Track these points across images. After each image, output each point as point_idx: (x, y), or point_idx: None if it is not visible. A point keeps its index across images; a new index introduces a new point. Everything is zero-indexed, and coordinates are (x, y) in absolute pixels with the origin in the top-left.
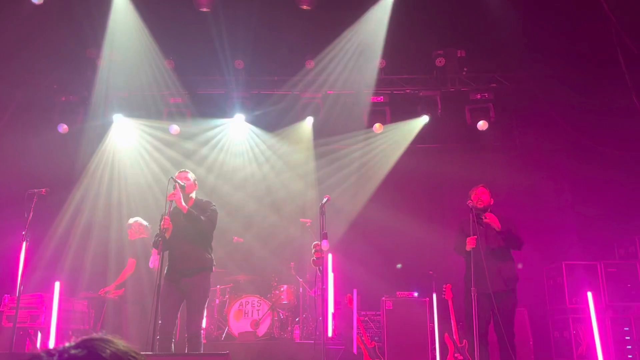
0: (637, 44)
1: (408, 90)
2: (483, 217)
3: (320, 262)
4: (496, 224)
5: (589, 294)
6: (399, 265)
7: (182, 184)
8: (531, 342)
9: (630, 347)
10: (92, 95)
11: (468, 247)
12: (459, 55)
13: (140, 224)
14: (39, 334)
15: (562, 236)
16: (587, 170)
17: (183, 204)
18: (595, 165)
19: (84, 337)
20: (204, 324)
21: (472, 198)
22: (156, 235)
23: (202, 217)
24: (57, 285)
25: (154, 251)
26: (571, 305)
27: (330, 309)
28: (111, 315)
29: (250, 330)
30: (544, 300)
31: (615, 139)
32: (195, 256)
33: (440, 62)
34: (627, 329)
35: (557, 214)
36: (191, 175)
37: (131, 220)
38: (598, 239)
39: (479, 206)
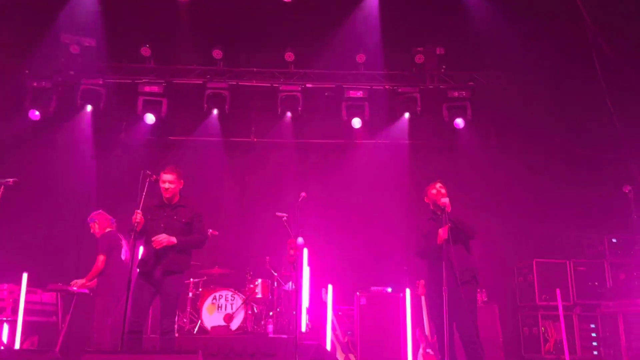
0: (611, 47)
1: (387, 86)
2: (441, 203)
3: (295, 259)
4: (448, 207)
5: (558, 292)
6: None
7: (155, 179)
8: (501, 338)
9: (596, 343)
10: (65, 82)
11: (440, 240)
12: (438, 52)
13: (105, 217)
14: (6, 326)
15: (533, 234)
16: (560, 169)
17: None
18: (568, 165)
19: None
20: (176, 317)
21: (430, 194)
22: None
23: (194, 241)
24: (24, 276)
25: (125, 243)
26: (541, 302)
27: (305, 303)
28: (81, 308)
29: (224, 324)
30: (514, 296)
31: (588, 139)
32: (176, 257)
33: (419, 58)
34: (594, 325)
35: (529, 212)
36: (175, 175)
37: (94, 215)
38: (568, 238)
39: (438, 201)
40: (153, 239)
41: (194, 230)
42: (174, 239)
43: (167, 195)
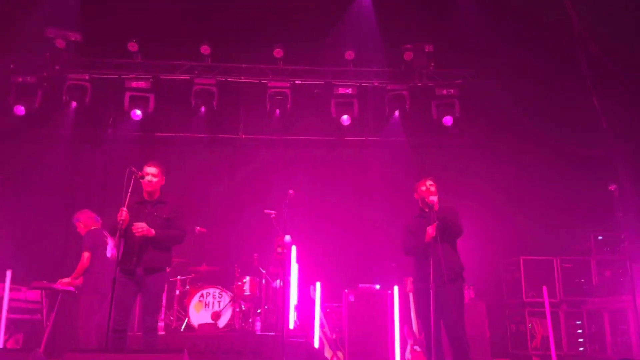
0: (598, 46)
1: (376, 83)
2: (429, 201)
3: (283, 257)
4: (436, 206)
5: (545, 289)
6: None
7: (141, 176)
8: (488, 334)
9: (582, 340)
10: (50, 77)
11: (428, 238)
12: (426, 50)
13: (89, 216)
14: None
15: (520, 231)
16: (547, 167)
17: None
18: (556, 162)
19: None
20: (162, 315)
21: (419, 190)
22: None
23: (173, 236)
24: (8, 274)
25: (110, 240)
26: (527, 299)
27: (293, 301)
28: (66, 306)
29: (211, 321)
30: (502, 293)
31: (575, 137)
32: (159, 255)
33: (408, 56)
34: (580, 322)
35: (516, 209)
36: (158, 170)
37: (79, 214)
38: (555, 235)
39: (428, 197)
40: (134, 224)
41: (173, 226)
42: (152, 231)
43: (149, 189)
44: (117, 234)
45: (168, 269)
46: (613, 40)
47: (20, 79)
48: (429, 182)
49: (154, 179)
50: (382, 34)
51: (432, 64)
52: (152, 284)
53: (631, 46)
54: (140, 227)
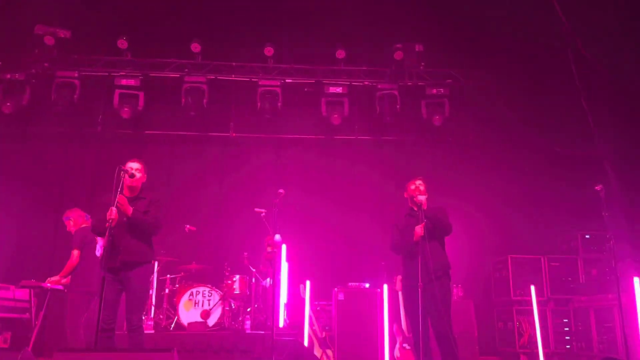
0: (587, 47)
1: (367, 83)
2: (417, 200)
3: (273, 256)
4: (424, 205)
5: (532, 287)
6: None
7: (132, 173)
8: (476, 333)
9: (569, 337)
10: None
11: (416, 237)
12: (417, 49)
13: (80, 214)
14: None
15: (508, 230)
16: (535, 167)
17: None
18: (544, 162)
19: None
20: (152, 314)
21: (409, 190)
22: (97, 221)
23: (147, 221)
24: None
25: (100, 238)
26: (515, 297)
27: (283, 299)
28: (55, 305)
29: (201, 320)
30: (490, 292)
31: (563, 138)
32: (137, 248)
33: (398, 55)
34: (567, 320)
35: (504, 209)
36: (142, 165)
37: (69, 212)
38: (543, 234)
39: (417, 197)
40: (118, 196)
41: (149, 215)
42: (130, 209)
43: (133, 184)
44: (107, 233)
45: (151, 264)
46: (601, 41)
47: (8, 76)
48: (418, 182)
49: (138, 174)
50: (373, 33)
51: (423, 64)
52: (135, 279)
53: (619, 48)
54: (123, 201)
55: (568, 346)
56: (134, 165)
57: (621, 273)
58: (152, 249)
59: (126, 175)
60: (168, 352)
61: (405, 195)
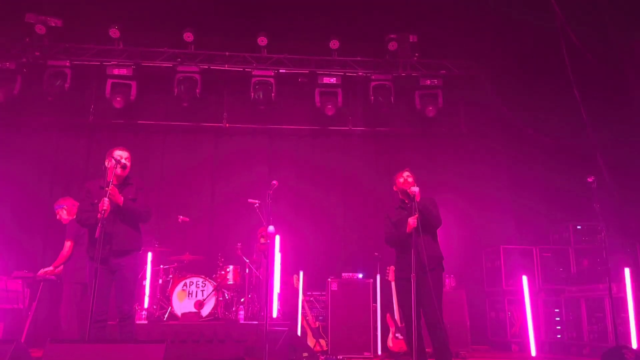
0: (580, 38)
1: (361, 73)
2: (410, 192)
3: (266, 247)
4: (417, 196)
5: (524, 277)
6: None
7: (124, 164)
8: (468, 322)
9: (559, 327)
10: (30, 63)
11: (409, 229)
12: (411, 40)
13: (73, 203)
14: None
15: (501, 221)
16: (528, 157)
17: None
18: (536, 153)
19: None
20: (146, 304)
21: (398, 183)
22: (82, 212)
23: (139, 209)
24: None
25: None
26: (507, 287)
27: (276, 290)
28: (48, 295)
29: (194, 310)
30: (482, 282)
31: (555, 128)
32: (126, 236)
33: (392, 46)
34: (558, 310)
35: (497, 199)
36: (128, 153)
37: (62, 200)
38: (534, 225)
39: (406, 188)
40: (110, 189)
41: (139, 203)
42: (122, 198)
43: (124, 174)
44: (100, 224)
45: (140, 252)
46: (594, 31)
47: None
48: (405, 174)
49: (128, 163)
50: (367, 23)
51: (417, 55)
52: (126, 267)
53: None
54: (114, 191)
55: (559, 335)
56: (123, 155)
57: (612, 264)
58: (141, 236)
59: (118, 167)
60: (160, 343)
61: (394, 189)
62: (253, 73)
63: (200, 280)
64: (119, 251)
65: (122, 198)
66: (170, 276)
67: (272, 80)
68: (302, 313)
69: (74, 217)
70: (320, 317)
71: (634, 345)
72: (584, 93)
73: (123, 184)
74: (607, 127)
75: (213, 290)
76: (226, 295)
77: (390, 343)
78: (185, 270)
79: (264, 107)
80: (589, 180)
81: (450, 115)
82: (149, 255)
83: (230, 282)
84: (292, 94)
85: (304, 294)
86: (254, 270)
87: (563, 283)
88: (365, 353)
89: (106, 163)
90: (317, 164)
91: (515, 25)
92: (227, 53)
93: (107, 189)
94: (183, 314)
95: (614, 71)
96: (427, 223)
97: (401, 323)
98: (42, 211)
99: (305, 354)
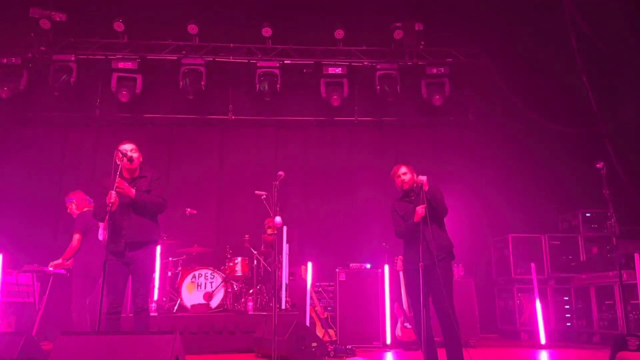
0: (588, 24)
1: (366, 63)
2: (418, 181)
3: (273, 238)
4: (425, 185)
5: (533, 266)
6: None
7: (130, 157)
8: (477, 311)
9: (569, 315)
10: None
11: (417, 218)
12: (417, 28)
13: (83, 197)
14: None
15: (509, 209)
16: (536, 145)
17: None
18: (545, 140)
19: None
20: (155, 296)
21: (397, 183)
22: (98, 207)
23: (153, 200)
24: (0, 257)
25: (101, 224)
26: (516, 276)
27: (285, 281)
28: (58, 289)
29: (203, 302)
30: (491, 270)
31: (564, 116)
32: (141, 228)
33: (398, 34)
34: (567, 298)
35: (504, 188)
36: (135, 145)
37: (72, 194)
38: (543, 213)
39: (405, 187)
40: (117, 181)
41: (153, 194)
42: (133, 190)
43: (133, 166)
44: (107, 217)
45: (156, 244)
46: (602, 19)
47: (4, 61)
48: (401, 171)
49: (135, 155)
50: (372, 11)
51: (423, 43)
52: (141, 260)
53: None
54: (122, 184)
55: (568, 324)
56: (128, 147)
57: (622, 250)
58: (158, 228)
59: (125, 159)
60: (170, 334)
61: (397, 187)
62: (258, 64)
63: (209, 272)
64: (134, 243)
65: (134, 191)
66: (179, 268)
67: (277, 71)
68: (310, 303)
69: (83, 210)
70: (329, 308)
71: None
72: (592, 79)
73: (136, 177)
74: (615, 113)
75: (222, 282)
76: (235, 286)
77: (398, 332)
78: (193, 262)
79: (270, 99)
80: (598, 166)
81: (457, 104)
82: (158, 248)
83: (239, 273)
84: (298, 84)
85: (312, 284)
86: (262, 261)
87: (572, 271)
88: (374, 342)
89: (116, 160)
90: (324, 155)
91: (522, 11)
92: (231, 45)
93: (114, 182)
94: (192, 306)
95: (623, 57)
96: (434, 212)
97: (409, 312)
98: (51, 206)
99: (314, 344)
